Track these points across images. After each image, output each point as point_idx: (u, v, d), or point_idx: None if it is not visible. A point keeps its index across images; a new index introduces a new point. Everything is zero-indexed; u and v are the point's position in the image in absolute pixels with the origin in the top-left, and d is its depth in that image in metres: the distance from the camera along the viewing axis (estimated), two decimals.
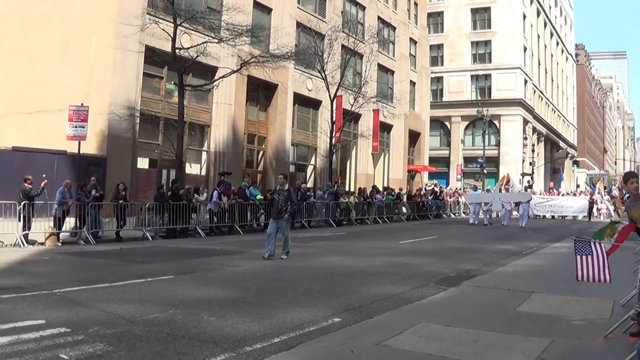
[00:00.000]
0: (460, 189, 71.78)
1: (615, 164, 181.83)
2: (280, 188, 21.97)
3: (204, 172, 43.56)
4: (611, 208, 59.11)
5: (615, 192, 61.31)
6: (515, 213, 50.02)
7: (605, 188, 67.55)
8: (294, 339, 10.08)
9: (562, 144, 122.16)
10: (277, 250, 21.37)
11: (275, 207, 21.70)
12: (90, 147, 32.68)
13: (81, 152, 29.64)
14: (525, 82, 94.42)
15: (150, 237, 28.42)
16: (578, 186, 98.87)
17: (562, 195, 64.20)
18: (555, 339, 10.28)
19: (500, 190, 47.71)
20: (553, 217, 57.05)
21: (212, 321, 11.18)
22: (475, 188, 56.46)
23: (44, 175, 26.22)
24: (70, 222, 26.92)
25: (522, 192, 54.47)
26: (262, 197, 36.60)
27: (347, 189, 56.83)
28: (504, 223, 44.10)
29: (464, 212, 57.87)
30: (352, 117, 54.67)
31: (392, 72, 69.31)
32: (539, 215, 56.93)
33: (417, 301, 13.85)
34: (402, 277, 17.52)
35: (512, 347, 9.75)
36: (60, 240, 25.66)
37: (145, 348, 9.26)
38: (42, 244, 24.82)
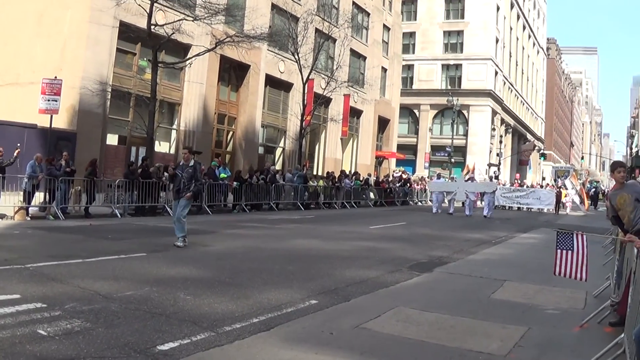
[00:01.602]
0: (427, 177, 71.80)
1: (582, 159, 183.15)
2: (185, 164, 19.33)
3: (173, 151, 43.35)
4: (577, 199, 59.50)
5: (568, 183, 61.79)
6: (479, 203, 50.08)
7: (578, 179, 67.97)
8: (272, 319, 10.07)
9: (529, 136, 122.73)
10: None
11: (176, 185, 19.20)
12: (60, 121, 32.37)
13: (52, 126, 29.33)
14: (496, 73, 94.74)
15: (119, 214, 28.18)
16: (544, 179, 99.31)
17: (529, 187, 64.32)
18: (532, 327, 10.38)
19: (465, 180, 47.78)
20: (519, 208, 57.18)
21: (189, 300, 11.13)
22: (439, 176, 56.44)
23: (18, 145, 26.03)
24: (39, 197, 26.68)
25: (487, 182, 54.30)
26: (225, 176, 36.46)
27: (315, 172, 56.78)
28: (468, 213, 43.51)
29: (430, 200, 57.86)
30: (323, 101, 54.47)
31: (365, 58, 69.32)
32: (505, 206, 57.02)
33: (392, 285, 13.91)
34: (375, 261, 17.59)
35: (490, 334, 9.83)
36: (30, 215, 25.37)
37: (123, 325, 9.18)
38: (11, 218, 24.51)
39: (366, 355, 8.38)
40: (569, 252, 10.76)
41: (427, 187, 60.74)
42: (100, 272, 13.34)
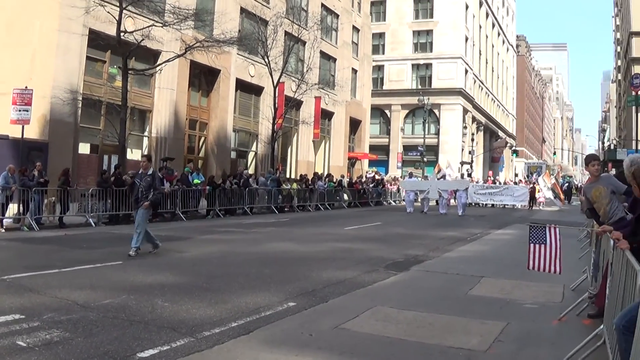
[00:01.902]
0: (400, 177, 71.86)
1: (554, 154, 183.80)
2: (143, 172, 18.77)
3: None
4: (551, 195, 59.66)
5: (540, 181, 61.97)
6: (453, 201, 50.18)
7: (550, 176, 68.19)
8: (251, 323, 10.10)
9: (501, 133, 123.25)
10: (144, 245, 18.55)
11: (135, 194, 18.93)
12: (32, 131, 32.14)
13: (24, 136, 29.17)
14: (466, 71, 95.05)
15: (93, 223, 28.10)
16: (517, 175, 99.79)
17: (502, 184, 64.49)
18: (510, 321, 10.47)
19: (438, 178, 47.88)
20: (493, 205, 57.24)
21: (167, 306, 11.13)
22: (410, 175, 56.47)
23: None
24: (13, 208, 26.54)
25: (459, 179, 54.28)
26: (199, 182, 36.47)
27: (288, 175, 56.69)
28: (442, 211, 43.37)
29: (404, 200, 57.89)
30: (294, 104, 54.58)
31: (335, 60, 69.35)
32: (479, 204, 57.11)
33: (369, 285, 13.98)
34: (352, 262, 17.64)
35: (469, 330, 9.90)
36: (4, 227, 25.24)
37: (102, 334, 9.18)
38: None
39: (346, 355, 8.43)
40: (542, 245, 10.84)
41: (399, 187, 60.76)
42: (77, 281, 13.30)
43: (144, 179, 18.42)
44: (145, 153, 18.29)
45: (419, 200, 47.00)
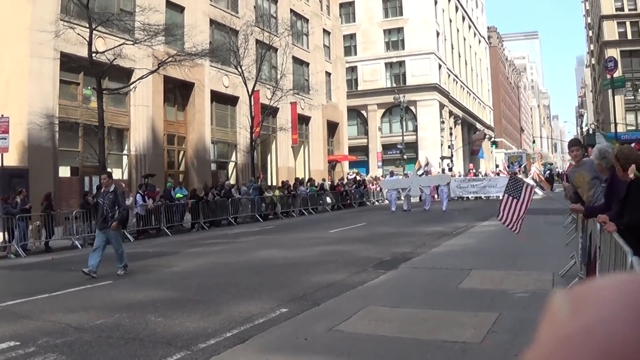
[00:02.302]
0: (381, 177, 71.79)
1: (534, 142, 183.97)
2: (105, 190, 18.23)
3: (126, 176, 43.16)
4: (531, 182, 59.59)
5: (534, 168, 61.92)
6: (436, 197, 50.19)
7: (532, 164, 68.19)
8: (245, 332, 10.15)
9: (479, 125, 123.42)
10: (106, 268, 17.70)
11: (100, 214, 18.26)
12: (11, 159, 32.07)
13: (3, 164, 29.12)
14: (440, 66, 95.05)
15: (79, 245, 28.07)
16: (497, 166, 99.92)
17: (484, 175, 64.49)
18: (503, 312, 10.50)
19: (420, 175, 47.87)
20: (476, 198, 57.16)
21: (160, 322, 11.18)
22: (392, 174, 56.37)
23: None
24: None
25: (440, 174, 54.17)
26: (181, 196, 36.47)
27: (269, 183, 56.64)
28: (426, 207, 43.24)
29: (387, 199, 57.84)
30: (270, 111, 54.51)
31: (308, 64, 69.38)
32: (463, 197, 57.07)
33: (360, 286, 14.01)
34: (340, 264, 17.66)
35: (462, 323, 9.95)
36: None
37: (98, 354, 9.23)
38: None
39: (343, 357, 8.49)
40: (515, 200, 10.95)
41: (380, 186, 60.64)
42: (68, 304, 13.33)
43: (106, 197, 17.97)
44: (105, 173, 17.30)
45: (402, 198, 46.58)
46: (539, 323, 0.66)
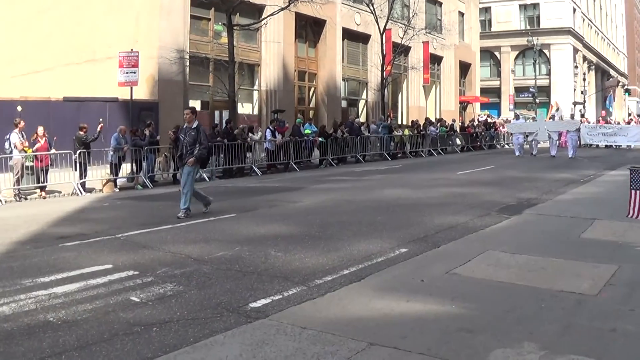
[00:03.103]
0: (512, 119, 70.54)
1: None
2: (188, 126, 17.21)
3: (256, 112, 43.49)
4: None
5: None
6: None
7: None
8: (362, 270, 10.12)
9: (612, 72, 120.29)
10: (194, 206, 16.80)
11: (180, 150, 17.63)
12: (141, 92, 32.58)
13: (133, 97, 29.67)
14: (574, 10, 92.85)
15: (207, 178, 28.35)
16: (629, 114, 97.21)
17: (616, 123, 62.51)
18: (622, 264, 10.14)
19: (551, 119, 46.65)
20: (606, 146, 55.31)
21: (280, 256, 11.24)
22: (517, 117, 55.25)
23: (100, 119, 26.29)
24: (126, 168, 26.99)
25: (568, 120, 52.36)
26: (310, 132, 36.55)
27: (399, 122, 56.34)
28: (553, 153, 41.52)
29: (513, 143, 56.65)
30: (401, 50, 54.15)
31: (440, 4, 68.23)
32: (592, 145, 55.39)
33: (481, 230, 13.82)
34: (464, 206, 17.48)
35: (580, 274, 9.65)
36: (118, 186, 25.70)
37: (215, 286, 9.34)
38: (100, 191, 24.81)
39: (457, 300, 8.31)
40: None
41: (506, 130, 59.43)
42: (190, 235, 13.54)
43: (188, 133, 16.95)
44: (188, 108, 15.97)
45: (528, 142, 45.30)
46: None
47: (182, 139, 17.17)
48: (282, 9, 36.69)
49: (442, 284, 9.24)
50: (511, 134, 50.78)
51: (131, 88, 28.89)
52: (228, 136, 30.41)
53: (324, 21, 47.74)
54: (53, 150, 24.05)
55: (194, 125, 16.92)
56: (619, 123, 63.63)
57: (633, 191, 10.51)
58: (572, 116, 59.15)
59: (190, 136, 16.75)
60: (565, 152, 42.23)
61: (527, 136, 44.24)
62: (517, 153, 43.06)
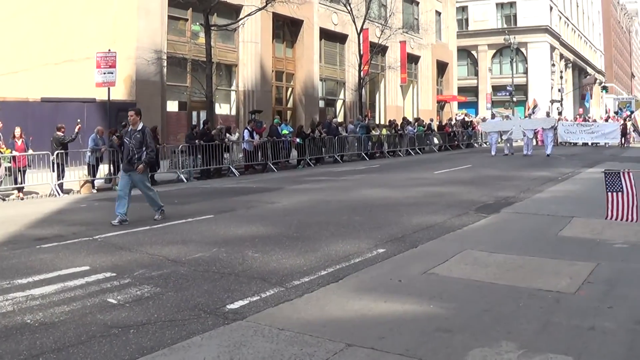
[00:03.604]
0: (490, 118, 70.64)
1: None
2: (132, 129, 16.34)
3: (233, 112, 43.52)
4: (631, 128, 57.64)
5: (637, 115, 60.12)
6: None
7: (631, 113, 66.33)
8: (340, 270, 10.11)
9: (589, 70, 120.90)
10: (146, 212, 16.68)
11: (126, 154, 16.42)
12: (119, 93, 32.57)
13: (110, 98, 29.56)
14: (551, 8, 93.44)
15: (184, 179, 28.41)
16: (607, 112, 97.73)
17: (593, 121, 62.61)
18: (600, 262, 10.20)
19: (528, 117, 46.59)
20: (584, 144, 55.34)
21: (257, 257, 11.22)
22: (493, 115, 55.34)
23: (78, 120, 26.21)
24: (104, 169, 26.91)
25: (544, 117, 52.14)
26: (287, 132, 36.52)
27: (377, 121, 56.43)
28: (527, 152, 40.99)
29: (487, 142, 56.60)
30: (379, 50, 54.32)
31: (417, 3, 68.59)
32: (570, 142, 55.45)
33: (459, 229, 13.82)
34: (441, 206, 17.50)
35: (558, 272, 9.69)
36: (96, 188, 25.61)
37: (193, 287, 9.30)
38: (78, 192, 24.73)
39: (435, 300, 8.33)
40: (619, 193, 10.55)
41: (480, 129, 59.38)
42: (168, 237, 13.49)
43: (133, 136, 16.08)
44: (132, 109, 15.03)
45: (502, 141, 44.64)
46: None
47: (127, 143, 16.27)
48: (259, 9, 36.73)
49: (420, 284, 9.25)
50: (487, 133, 50.45)
51: (109, 89, 28.85)
52: (205, 137, 30.37)
53: (301, 21, 47.86)
54: (30, 152, 23.99)
55: (139, 128, 16.25)
56: (595, 121, 63.75)
57: (609, 193, 10.56)
58: (548, 114, 58.98)
59: (136, 139, 16.02)
60: (542, 150, 42.32)
61: (502, 135, 43.80)
62: (492, 152, 42.51)
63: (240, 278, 9.76)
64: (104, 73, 28.56)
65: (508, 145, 42.86)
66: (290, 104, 50.46)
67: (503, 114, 59.51)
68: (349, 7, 46.99)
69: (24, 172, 23.77)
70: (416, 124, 52.01)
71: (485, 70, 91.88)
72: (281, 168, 34.24)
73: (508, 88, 77.55)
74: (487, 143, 54.88)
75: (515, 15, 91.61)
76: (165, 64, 35.92)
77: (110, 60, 28.64)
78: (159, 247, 12.28)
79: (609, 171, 10.70)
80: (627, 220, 10.61)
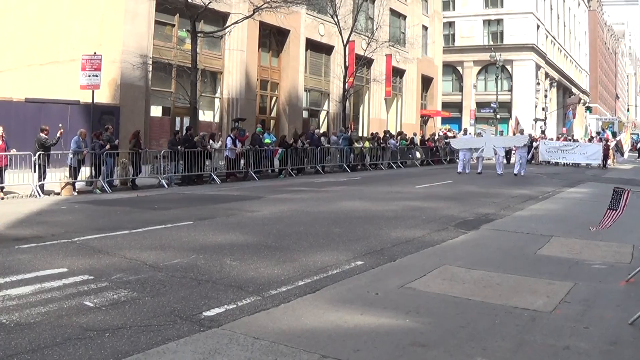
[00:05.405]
0: (474, 134, 70.37)
1: (628, 110, 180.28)
2: None
3: (217, 119, 43.41)
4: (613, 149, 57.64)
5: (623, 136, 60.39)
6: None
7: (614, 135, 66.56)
8: (318, 282, 10.15)
9: (574, 89, 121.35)
10: None
11: None
12: (103, 96, 32.52)
13: (94, 101, 29.50)
14: (538, 27, 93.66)
15: (165, 185, 28.31)
16: (589, 133, 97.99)
17: (575, 141, 62.41)
18: (578, 282, 10.28)
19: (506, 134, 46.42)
20: (565, 164, 55.00)
21: (235, 265, 11.24)
22: (465, 132, 55.09)
23: (60, 125, 26.10)
24: (85, 172, 26.83)
25: (517, 135, 51.26)
26: (270, 141, 36.46)
27: (360, 134, 56.38)
28: (499, 172, 38.98)
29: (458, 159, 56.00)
30: (364, 62, 54.23)
31: (405, 17, 68.64)
32: (551, 162, 55.19)
33: (438, 244, 13.87)
34: (421, 220, 17.52)
35: (535, 290, 9.76)
36: (76, 190, 25.42)
37: (170, 293, 9.30)
38: (58, 194, 24.54)
39: (412, 314, 8.37)
40: (614, 211, 10.61)
41: (451, 145, 57.90)
42: (146, 242, 13.46)
43: None
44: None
45: (474, 158, 43.65)
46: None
47: None
48: (246, 17, 36.66)
49: (397, 298, 9.27)
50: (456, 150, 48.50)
51: (93, 91, 28.82)
52: (188, 143, 30.33)
53: (288, 31, 47.90)
54: (14, 151, 23.90)
55: None
56: (577, 140, 63.73)
57: (608, 210, 10.62)
58: (522, 131, 58.51)
59: None
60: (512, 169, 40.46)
61: (473, 152, 42.73)
62: (459, 169, 40.99)
63: (218, 285, 9.77)
64: (89, 76, 28.49)
65: (480, 163, 41.65)
66: (274, 114, 50.38)
67: (485, 130, 59.30)
68: (336, 19, 46.95)
69: (3, 171, 23.65)
70: (399, 137, 51.96)
71: (470, 86, 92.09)
72: (263, 177, 34.13)
73: (492, 105, 77.86)
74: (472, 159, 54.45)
75: (502, 33, 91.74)
76: (150, 68, 35.79)
77: (95, 63, 28.59)
78: (137, 252, 12.24)
79: (618, 189, 10.75)
80: (600, 228, 10.70)
